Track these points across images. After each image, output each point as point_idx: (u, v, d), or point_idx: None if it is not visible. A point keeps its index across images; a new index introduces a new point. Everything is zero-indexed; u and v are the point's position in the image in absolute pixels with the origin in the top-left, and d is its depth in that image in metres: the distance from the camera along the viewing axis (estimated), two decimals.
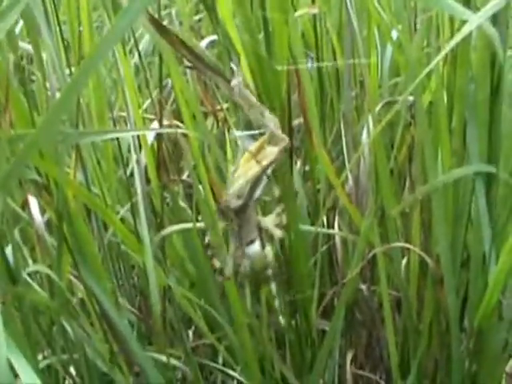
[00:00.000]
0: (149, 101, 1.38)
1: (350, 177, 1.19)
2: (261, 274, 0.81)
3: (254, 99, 0.81)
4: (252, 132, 0.80)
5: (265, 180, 0.79)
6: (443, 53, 0.93)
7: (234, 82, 0.82)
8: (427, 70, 0.94)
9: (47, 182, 1.01)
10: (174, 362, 1.15)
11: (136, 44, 1.25)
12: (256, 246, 0.79)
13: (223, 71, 0.92)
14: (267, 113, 0.79)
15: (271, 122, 0.79)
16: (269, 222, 0.81)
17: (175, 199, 1.19)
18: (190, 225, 1.11)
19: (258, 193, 0.79)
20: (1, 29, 0.75)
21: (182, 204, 1.26)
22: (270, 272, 0.81)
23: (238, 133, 0.82)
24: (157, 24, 0.87)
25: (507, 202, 1.02)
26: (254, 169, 0.77)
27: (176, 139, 1.41)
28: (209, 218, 1.02)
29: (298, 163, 1.36)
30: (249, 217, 0.78)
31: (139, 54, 1.26)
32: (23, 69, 1.42)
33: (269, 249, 0.80)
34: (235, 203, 0.77)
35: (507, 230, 1.01)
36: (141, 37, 1.58)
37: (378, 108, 1.15)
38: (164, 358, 1.11)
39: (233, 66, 0.90)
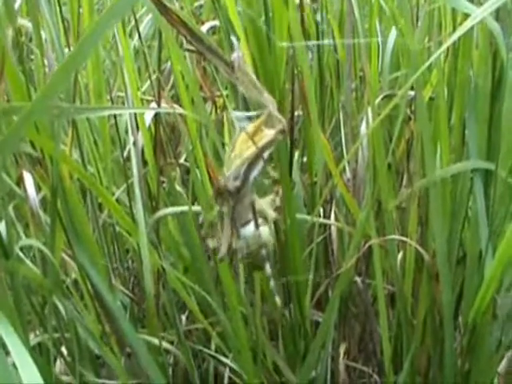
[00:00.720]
0: (148, 83, 1.37)
1: (347, 168, 1.18)
2: (256, 256, 0.81)
3: (253, 77, 0.80)
4: (250, 113, 0.78)
5: (262, 162, 0.78)
6: (445, 46, 0.93)
7: (234, 56, 0.80)
8: (428, 62, 0.93)
9: (42, 157, 1.01)
10: (166, 345, 1.15)
11: (137, 26, 1.24)
12: (251, 227, 0.78)
13: (223, 55, 0.91)
14: (266, 93, 0.78)
15: (269, 102, 0.77)
16: (264, 203, 0.80)
17: (171, 183, 1.19)
18: (185, 208, 1.10)
19: (254, 174, 0.78)
20: None
21: (179, 188, 1.25)
22: (264, 253, 0.80)
23: (235, 113, 0.81)
24: (158, 2, 0.86)
25: (505, 200, 1.02)
26: (250, 150, 0.77)
27: (174, 123, 1.40)
28: (205, 201, 1.02)
29: (296, 154, 1.35)
30: (244, 198, 0.77)
31: (139, 36, 1.24)
32: (22, 46, 1.41)
33: (265, 228, 0.79)
34: (232, 184, 0.76)
35: (504, 227, 1.00)
36: (141, 19, 1.57)
37: (377, 101, 1.14)
38: (156, 341, 1.11)
39: (233, 40, 0.88)
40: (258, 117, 0.79)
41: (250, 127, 0.78)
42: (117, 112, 1.19)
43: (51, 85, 0.62)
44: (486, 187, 1.02)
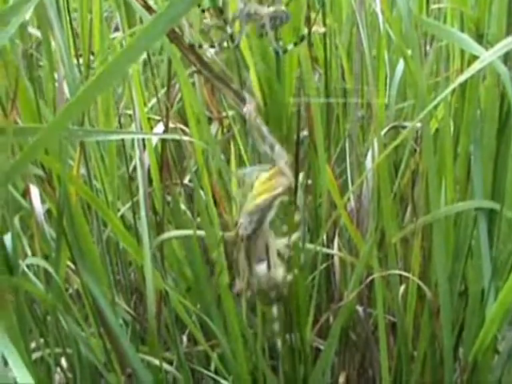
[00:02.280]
0: (155, 99, 1.37)
1: (352, 197, 1.18)
2: (265, 295, 0.81)
3: (265, 129, 0.80)
4: (260, 168, 0.79)
5: (274, 208, 0.78)
6: (452, 87, 0.93)
7: (245, 110, 0.80)
8: (435, 101, 0.93)
9: (50, 177, 1.02)
10: (165, 365, 1.15)
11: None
12: (264, 266, 0.78)
13: (231, 80, 0.91)
14: (277, 147, 0.78)
15: (281, 157, 0.78)
16: (279, 243, 0.80)
17: (176, 202, 1.19)
18: (190, 232, 1.10)
19: (268, 219, 0.78)
20: (13, 23, 0.75)
21: (183, 207, 1.25)
22: (274, 295, 0.81)
23: (247, 169, 0.81)
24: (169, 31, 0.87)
25: (509, 240, 1.02)
26: (264, 196, 0.77)
27: (181, 141, 1.41)
28: (208, 224, 1.03)
29: (301, 176, 1.35)
30: (259, 238, 0.78)
31: (147, 52, 1.24)
32: (31, 55, 1.42)
33: (279, 271, 0.79)
34: (247, 229, 0.77)
35: (508, 267, 1.00)
36: None
37: (383, 132, 1.14)
38: (156, 361, 1.11)
39: (244, 91, 0.89)
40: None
41: (263, 176, 0.78)
42: (125, 137, 1.20)
43: (64, 115, 0.62)
44: (490, 225, 1.02)
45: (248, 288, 0.79)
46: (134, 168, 1.14)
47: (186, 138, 1.06)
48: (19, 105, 0.97)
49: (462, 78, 0.92)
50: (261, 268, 0.78)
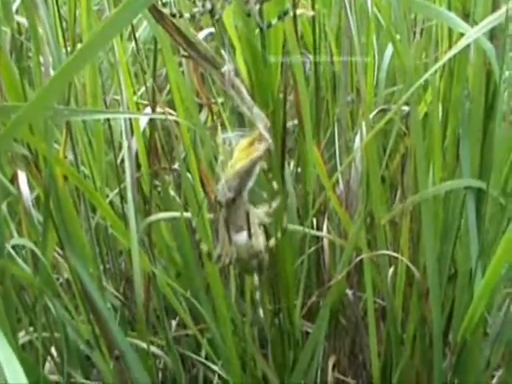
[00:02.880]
0: (144, 88, 1.37)
1: (340, 180, 1.18)
2: (246, 264, 0.81)
3: (244, 91, 0.80)
4: (241, 133, 0.79)
5: (254, 174, 0.78)
6: (439, 64, 0.93)
7: (224, 69, 0.80)
8: (422, 79, 0.94)
9: (36, 158, 1.01)
10: (154, 349, 1.15)
11: (133, 30, 1.24)
12: (244, 235, 0.78)
13: (219, 63, 0.91)
14: (256, 109, 0.78)
15: (259, 119, 0.77)
16: (259, 212, 0.81)
17: (165, 188, 1.19)
18: (177, 214, 1.10)
19: (248, 186, 0.78)
20: None
21: (172, 193, 1.25)
22: (255, 263, 0.81)
23: (226, 135, 0.81)
24: (154, 10, 0.87)
25: (496, 219, 1.02)
26: (242, 162, 0.77)
27: (169, 128, 1.40)
28: (196, 206, 1.02)
29: (291, 164, 1.35)
30: (239, 207, 0.78)
31: (135, 40, 1.24)
32: (21, 45, 1.42)
33: (258, 239, 0.79)
34: (225, 196, 0.77)
35: (495, 246, 1.00)
36: (141, 22, 1.57)
37: (372, 115, 1.14)
38: (145, 345, 1.11)
39: (224, 53, 0.88)
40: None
41: (242, 142, 0.78)
42: (111, 116, 1.20)
43: (47, 89, 0.62)
44: (478, 205, 1.02)
45: (227, 256, 0.80)
46: (123, 156, 1.14)
47: (172, 117, 1.05)
48: (4, 86, 0.97)
49: (448, 55, 0.92)
50: (241, 237, 0.78)
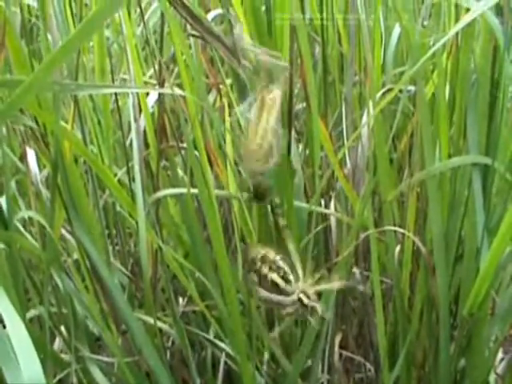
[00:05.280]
0: (152, 70, 1.37)
1: (348, 159, 1.19)
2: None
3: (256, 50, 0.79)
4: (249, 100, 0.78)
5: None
6: (445, 38, 0.93)
7: (235, 32, 0.81)
8: (428, 55, 0.94)
9: (45, 134, 1.02)
10: (161, 325, 1.15)
11: (141, 12, 1.25)
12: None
13: (225, 40, 0.91)
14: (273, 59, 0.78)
15: (279, 69, 0.77)
16: None
17: (173, 167, 1.19)
18: (183, 190, 1.10)
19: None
20: None
21: (180, 172, 1.25)
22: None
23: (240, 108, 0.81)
24: None
25: (502, 195, 1.02)
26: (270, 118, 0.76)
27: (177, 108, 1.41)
28: (203, 182, 1.03)
29: (300, 147, 1.35)
30: None
31: (144, 22, 1.25)
32: (31, 28, 1.42)
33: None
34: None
35: (501, 222, 1.00)
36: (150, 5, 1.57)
37: (379, 94, 1.14)
38: (152, 320, 1.12)
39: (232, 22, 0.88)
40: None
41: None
42: (118, 90, 1.20)
43: (53, 59, 0.63)
44: (484, 182, 1.02)
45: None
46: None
47: (179, 92, 1.05)
48: (12, 60, 0.97)
49: (454, 30, 0.93)
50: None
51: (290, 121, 0.99)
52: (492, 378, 1.18)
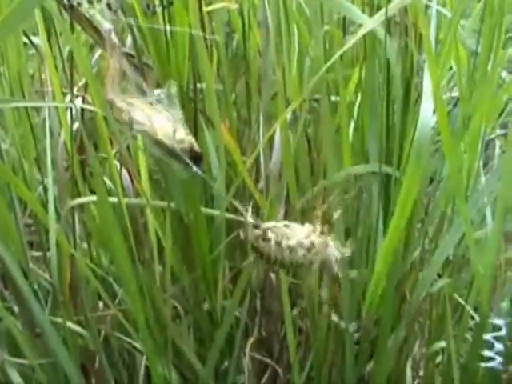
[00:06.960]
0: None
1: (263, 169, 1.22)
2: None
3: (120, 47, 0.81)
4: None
5: None
6: (338, 54, 0.97)
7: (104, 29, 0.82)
8: (325, 67, 0.98)
9: None
10: (71, 326, 1.17)
11: None
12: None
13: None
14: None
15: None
16: None
17: (96, 175, 1.21)
18: (93, 198, 1.12)
19: None
20: None
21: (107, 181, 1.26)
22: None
23: None
24: None
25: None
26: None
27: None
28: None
29: None
30: None
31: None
32: None
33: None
34: None
35: None
36: None
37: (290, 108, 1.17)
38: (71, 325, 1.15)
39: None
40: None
41: None
42: (31, 105, 1.22)
43: None
44: (385, 189, 1.07)
45: None
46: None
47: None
48: None
49: (348, 45, 0.97)
50: None
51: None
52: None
